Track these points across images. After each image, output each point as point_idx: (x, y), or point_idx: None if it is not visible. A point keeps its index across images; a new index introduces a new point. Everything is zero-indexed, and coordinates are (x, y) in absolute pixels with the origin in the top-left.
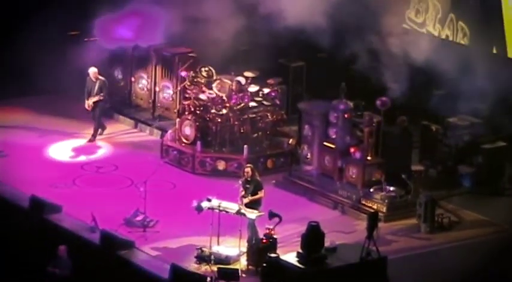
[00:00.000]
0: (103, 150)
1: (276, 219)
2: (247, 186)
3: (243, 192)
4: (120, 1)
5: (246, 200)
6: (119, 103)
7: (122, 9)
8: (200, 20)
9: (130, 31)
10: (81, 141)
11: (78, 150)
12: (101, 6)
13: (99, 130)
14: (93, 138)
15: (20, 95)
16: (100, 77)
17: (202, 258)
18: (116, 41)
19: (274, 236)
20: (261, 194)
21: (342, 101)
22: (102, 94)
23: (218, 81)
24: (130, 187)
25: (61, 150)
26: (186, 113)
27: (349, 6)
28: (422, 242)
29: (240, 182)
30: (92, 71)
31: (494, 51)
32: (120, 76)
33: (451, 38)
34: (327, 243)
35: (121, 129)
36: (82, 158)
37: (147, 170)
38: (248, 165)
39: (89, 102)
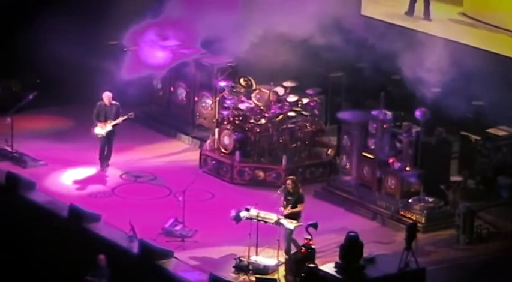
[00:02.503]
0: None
1: (313, 229)
2: (289, 198)
3: (285, 203)
4: (160, 11)
5: (285, 212)
6: (157, 113)
7: (161, 18)
8: (239, 30)
9: (169, 40)
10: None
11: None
12: (140, 15)
13: (105, 160)
14: (105, 166)
15: (59, 104)
16: (114, 102)
17: (240, 268)
18: (154, 51)
19: (313, 246)
20: (300, 208)
21: (381, 111)
22: (130, 114)
23: (257, 91)
24: (169, 197)
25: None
26: (225, 122)
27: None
28: (461, 253)
29: (279, 191)
30: (106, 95)
31: None
32: (159, 86)
33: None
34: (365, 254)
35: (160, 139)
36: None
37: (185, 179)
38: (291, 177)
39: (106, 127)
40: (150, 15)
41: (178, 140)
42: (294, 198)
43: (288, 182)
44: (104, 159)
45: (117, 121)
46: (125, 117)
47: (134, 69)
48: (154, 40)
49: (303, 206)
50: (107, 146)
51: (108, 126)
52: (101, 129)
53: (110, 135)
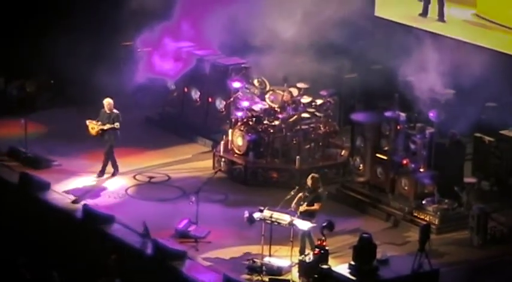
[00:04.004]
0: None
1: (327, 231)
2: (307, 195)
3: (302, 200)
4: (174, 11)
5: (301, 208)
6: (171, 114)
7: (175, 19)
8: (254, 31)
9: (183, 42)
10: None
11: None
12: (153, 17)
13: (114, 171)
14: (101, 174)
15: (74, 104)
16: (114, 110)
17: (254, 269)
18: (168, 58)
19: (326, 248)
20: (316, 207)
21: (395, 113)
22: (116, 124)
23: (271, 92)
24: (182, 197)
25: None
26: (239, 123)
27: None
28: (475, 254)
29: (292, 193)
30: (107, 101)
31: None
32: (173, 87)
33: None
34: (378, 255)
35: (173, 140)
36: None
37: (199, 180)
38: (312, 174)
39: (96, 128)
40: (164, 16)
41: (192, 141)
42: (313, 196)
43: (308, 178)
44: (115, 163)
45: (104, 127)
46: (112, 126)
47: (148, 71)
48: (168, 44)
49: (319, 205)
50: (110, 152)
51: (97, 128)
52: (91, 130)
53: (108, 141)
